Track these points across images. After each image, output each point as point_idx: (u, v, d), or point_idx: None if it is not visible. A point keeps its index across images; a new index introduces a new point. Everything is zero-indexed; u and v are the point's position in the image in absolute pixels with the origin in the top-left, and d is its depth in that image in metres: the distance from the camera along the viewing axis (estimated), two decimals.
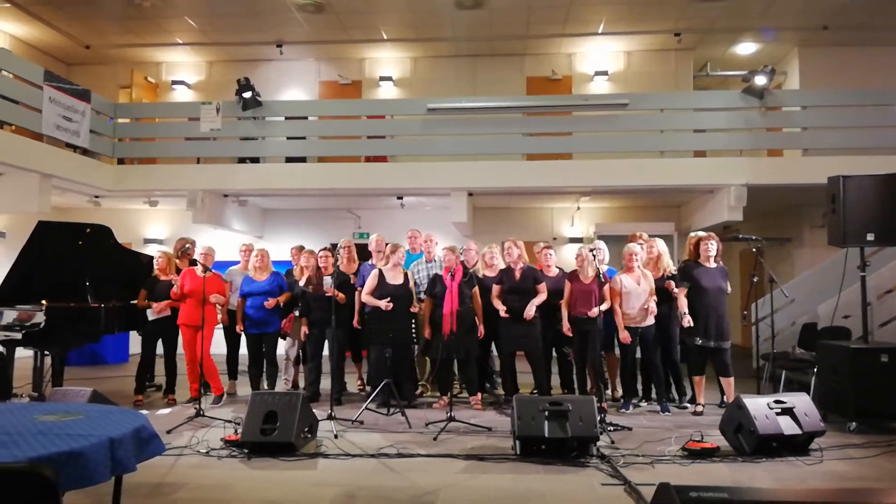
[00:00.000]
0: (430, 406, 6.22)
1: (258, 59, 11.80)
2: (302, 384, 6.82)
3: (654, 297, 5.85)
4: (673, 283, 5.92)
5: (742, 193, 8.58)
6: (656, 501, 2.47)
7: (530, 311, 5.91)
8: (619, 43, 11.33)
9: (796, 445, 4.51)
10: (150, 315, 6.49)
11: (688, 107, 9.54)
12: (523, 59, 11.67)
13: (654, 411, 5.95)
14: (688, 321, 5.69)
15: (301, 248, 6.96)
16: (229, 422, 5.04)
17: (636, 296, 5.84)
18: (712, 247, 5.89)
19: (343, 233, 10.18)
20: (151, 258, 6.81)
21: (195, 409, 5.42)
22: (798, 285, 8.09)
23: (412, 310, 6.23)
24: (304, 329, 6.40)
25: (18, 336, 5.83)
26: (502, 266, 6.39)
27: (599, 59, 11.59)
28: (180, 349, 6.46)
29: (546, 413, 4.42)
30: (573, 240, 11.30)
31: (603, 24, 10.58)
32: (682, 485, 2.36)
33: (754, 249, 5.74)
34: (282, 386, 6.66)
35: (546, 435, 4.36)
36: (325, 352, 6.46)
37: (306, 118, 10.27)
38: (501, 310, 5.97)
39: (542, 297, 6.01)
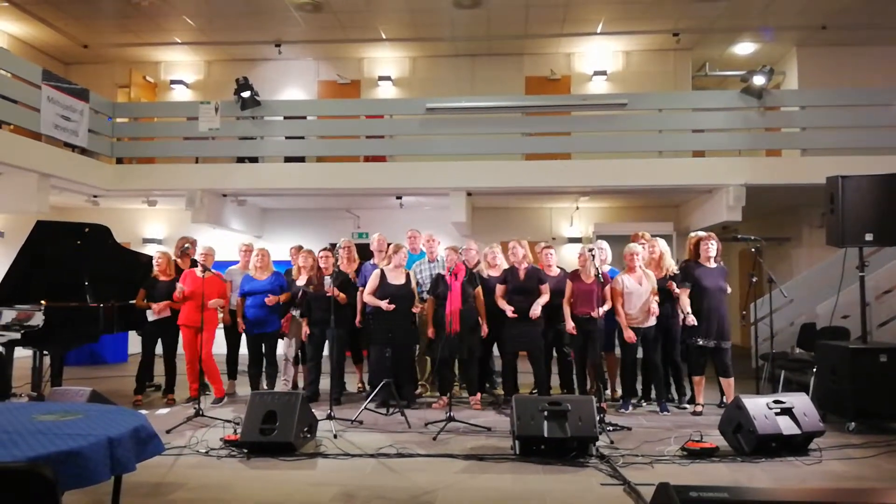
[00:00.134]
0: (430, 406, 6.22)
1: (257, 58, 11.79)
2: (301, 384, 6.82)
3: (657, 298, 5.86)
4: (674, 284, 5.93)
5: (741, 193, 8.58)
6: (655, 501, 2.47)
7: (536, 310, 5.90)
8: (618, 43, 11.32)
9: (795, 445, 4.51)
10: (150, 316, 6.47)
11: (686, 107, 9.54)
12: (522, 58, 11.67)
13: (653, 411, 5.96)
14: (692, 321, 5.71)
15: (300, 248, 6.95)
16: (229, 422, 5.05)
17: (638, 296, 5.84)
18: (712, 247, 5.91)
19: (342, 233, 10.16)
20: (150, 258, 6.79)
21: (194, 408, 5.42)
22: (797, 285, 8.09)
23: (414, 310, 6.23)
24: (305, 329, 6.40)
25: (17, 336, 5.83)
26: (505, 266, 6.39)
27: (598, 58, 11.59)
28: (180, 349, 6.45)
29: (545, 413, 4.43)
30: (572, 240, 11.30)
31: (602, 24, 10.58)
32: (681, 485, 2.37)
33: (753, 249, 5.74)
34: (281, 386, 6.65)
35: (545, 435, 4.36)
36: (325, 352, 6.46)
37: (305, 118, 10.25)
38: (508, 310, 5.95)
39: (546, 297, 6.01)
